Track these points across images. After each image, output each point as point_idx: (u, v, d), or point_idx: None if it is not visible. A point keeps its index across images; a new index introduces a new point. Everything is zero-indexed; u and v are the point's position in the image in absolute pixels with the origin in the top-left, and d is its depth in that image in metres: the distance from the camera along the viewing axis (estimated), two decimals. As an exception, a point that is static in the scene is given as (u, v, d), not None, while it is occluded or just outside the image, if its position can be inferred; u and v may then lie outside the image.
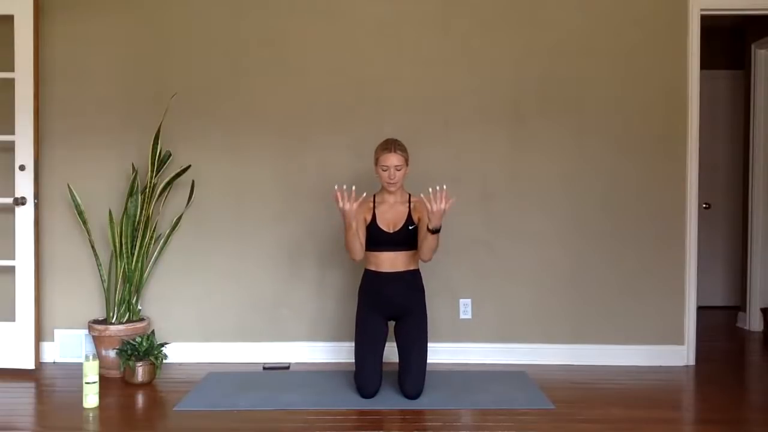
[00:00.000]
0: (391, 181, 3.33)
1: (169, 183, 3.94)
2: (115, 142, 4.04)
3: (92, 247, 3.90)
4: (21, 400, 3.45)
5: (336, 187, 3.20)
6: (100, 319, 3.93)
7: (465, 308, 4.03)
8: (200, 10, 4.03)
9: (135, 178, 3.88)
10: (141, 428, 3.04)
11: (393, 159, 3.32)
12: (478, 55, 4.01)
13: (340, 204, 3.15)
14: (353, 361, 3.44)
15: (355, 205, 3.16)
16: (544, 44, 3.99)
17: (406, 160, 3.39)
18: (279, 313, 4.06)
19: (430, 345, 3.42)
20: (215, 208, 4.05)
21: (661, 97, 3.97)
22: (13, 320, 3.86)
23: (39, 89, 3.88)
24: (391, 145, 3.36)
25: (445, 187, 3.15)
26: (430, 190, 3.14)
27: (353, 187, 3.19)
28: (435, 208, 3.11)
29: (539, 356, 3.97)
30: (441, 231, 3.24)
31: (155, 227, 3.95)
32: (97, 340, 3.80)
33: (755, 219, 4.98)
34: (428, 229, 3.20)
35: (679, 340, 3.99)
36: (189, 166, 3.98)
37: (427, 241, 3.26)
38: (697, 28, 3.95)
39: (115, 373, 3.72)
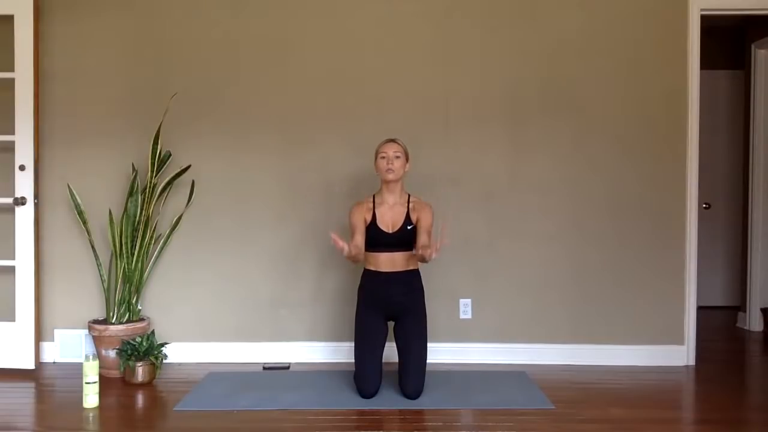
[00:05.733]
0: (390, 167, 3.33)
1: (169, 183, 3.94)
2: (115, 142, 4.04)
3: (92, 247, 3.90)
4: (21, 400, 3.44)
5: (332, 235, 3.18)
6: (100, 319, 3.93)
7: (465, 308, 4.03)
8: (200, 10, 4.04)
9: (135, 178, 3.88)
10: (141, 428, 3.04)
11: (392, 147, 3.36)
12: (478, 54, 4.01)
13: (340, 246, 3.15)
14: (353, 361, 3.44)
15: (354, 249, 3.22)
16: (544, 44, 3.99)
17: (406, 154, 3.40)
18: (279, 313, 4.06)
19: (430, 345, 3.42)
20: (215, 208, 4.05)
21: (661, 97, 3.97)
22: (13, 320, 3.86)
23: (39, 89, 3.89)
24: (390, 138, 3.42)
25: (437, 243, 3.17)
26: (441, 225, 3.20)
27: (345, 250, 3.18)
28: (428, 258, 3.16)
29: (539, 356, 3.97)
30: (437, 232, 3.30)
31: (155, 227, 3.95)
32: (97, 340, 3.80)
33: (755, 219, 4.99)
34: (419, 255, 3.26)
35: (679, 340, 3.99)
36: (189, 166, 3.98)
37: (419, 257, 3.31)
38: (697, 28, 3.95)
39: (115, 373, 3.72)
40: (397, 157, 3.35)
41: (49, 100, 4.02)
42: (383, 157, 3.36)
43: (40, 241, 3.95)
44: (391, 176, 3.35)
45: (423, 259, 3.28)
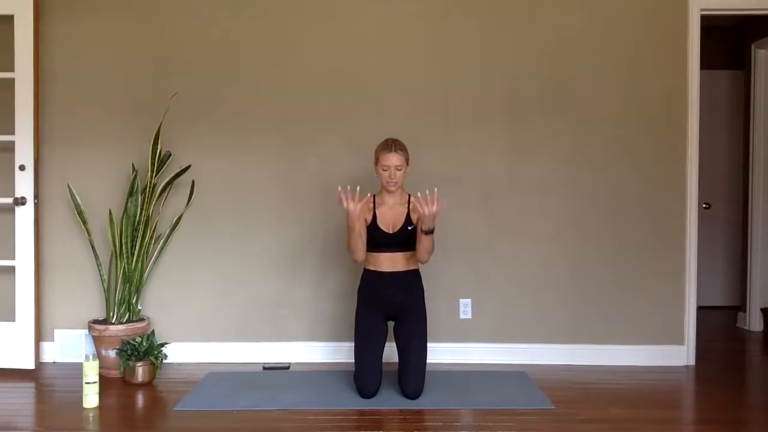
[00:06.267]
0: (392, 180, 3.34)
1: (169, 183, 3.94)
2: (115, 142, 4.04)
3: (92, 247, 3.90)
4: (21, 400, 3.44)
5: (339, 188, 3.20)
6: (100, 319, 3.93)
7: (465, 308, 4.03)
8: (200, 10, 4.04)
9: (135, 178, 3.88)
10: (141, 428, 3.04)
11: (393, 159, 3.32)
12: (478, 54, 4.01)
13: (345, 204, 3.16)
14: (353, 361, 3.44)
15: (359, 205, 3.18)
16: (544, 44, 3.99)
17: (407, 160, 3.39)
18: (279, 313, 4.06)
19: (430, 345, 3.42)
20: (215, 208, 4.05)
21: (661, 97, 3.97)
22: (13, 320, 3.86)
23: (39, 89, 3.89)
24: (391, 144, 3.36)
25: (436, 189, 3.18)
26: (419, 194, 3.17)
27: (357, 188, 3.19)
28: (427, 211, 3.15)
29: (539, 356, 3.97)
30: (437, 231, 3.28)
31: (155, 227, 3.95)
32: (97, 340, 3.80)
33: (755, 219, 4.99)
34: (421, 230, 3.22)
35: (679, 340, 3.99)
36: (189, 166, 3.98)
37: (422, 243, 3.28)
38: (697, 28, 3.95)
39: (115, 373, 3.72)
40: (399, 169, 3.34)
41: (49, 100, 4.02)
42: (385, 170, 3.35)
43: (40, 241, 3.95)
44: (393, 188, 3.36)
45: (422, 260, 3.24)
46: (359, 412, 3.13)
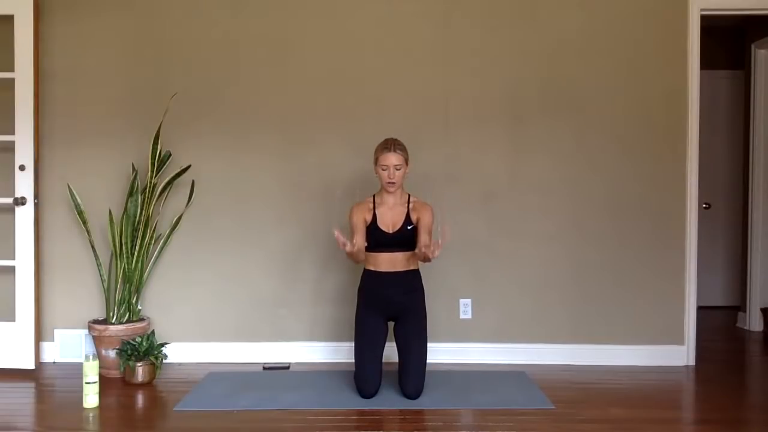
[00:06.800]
0: (391, 180, 3.33)
1: (169, 183, 3.94)
2: (115, 142, 4.04)
3: (92, 247, 3.90)
4: (21, 400, 3.44)
5: (335, 232, 3.15)
6: (100, 319, 3.93)
7: (465, 308, 4.03)
8: (200, 10, 4.04)
9: (135, 178, 3.88)
10: (141, 428, 3.04)
11: (392, 158, 3.32)
12: (478, 54, 4.01)
13: (342, 247, 3.15)
14: (353, 361, 3.44)
15: (355, 247, 3.22)
16: (544, 44, 3.99)
17: (406, 160, 3.39)
18: (279, 313, 4.06)
19: (430, 345, 3.42)
20: (215, 208, 4.05)
21: (661, 97, 3.97)
22: (13, 320, 3.86)
23: (39, 89, 3.89)
24: (390, 144, 3.36)
25: (448, 238, 3.26)
26: (439, 237, 3.19)
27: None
28: (431, 255, 3.15)
29: (539, 356, 3.97)
30: (437, 230, 3.31)
31: (155, 227, 3.95)
32: (97, 340, 3.80)
33: (755, 219, 4.99)
34: (424, 258, 3.24)
35: (679, 340, 3.99)
36: (189, 166, 3.98)
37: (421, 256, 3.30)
38: (697, 28, 3.95)
39: (115, 373, 3.72)
40: (398, 169, 3.34)
41: (49, 100, 4.02)
42: (384, 170, 3.35)
43: (40, 241, 3.95)
44: (392, 189, 3.36)
45: (426, 259, 3.26)
46: (359, 412, 3.13)
